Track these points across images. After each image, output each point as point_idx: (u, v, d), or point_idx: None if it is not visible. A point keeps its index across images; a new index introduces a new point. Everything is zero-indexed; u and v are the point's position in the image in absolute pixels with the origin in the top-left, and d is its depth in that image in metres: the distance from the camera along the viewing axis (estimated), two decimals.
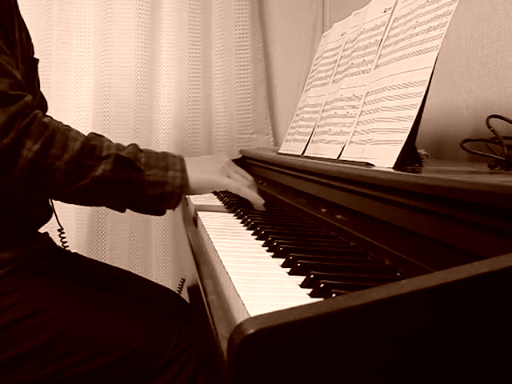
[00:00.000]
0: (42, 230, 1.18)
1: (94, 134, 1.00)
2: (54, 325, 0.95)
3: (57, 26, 2.00)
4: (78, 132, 0.96)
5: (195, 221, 1.08)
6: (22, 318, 0.95)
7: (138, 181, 0.97)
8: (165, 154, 1.02)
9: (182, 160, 1.02)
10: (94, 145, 0.95)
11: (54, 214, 1.24)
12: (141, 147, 1.02)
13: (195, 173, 1.01)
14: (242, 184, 1.05)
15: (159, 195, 0.98)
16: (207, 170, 1.03)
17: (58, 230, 1.35)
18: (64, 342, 0.94)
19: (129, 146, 1.01)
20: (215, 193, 1.44)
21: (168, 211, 1.10)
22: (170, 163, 1.00)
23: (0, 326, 0.95)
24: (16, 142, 0.89)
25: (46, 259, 1.10)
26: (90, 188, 0.94)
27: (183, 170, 1.00)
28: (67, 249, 1.36)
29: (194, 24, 2.08)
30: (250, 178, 1.09)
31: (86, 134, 0.98)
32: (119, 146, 0.99)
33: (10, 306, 0.96)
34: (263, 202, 1.05)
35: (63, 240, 1.37)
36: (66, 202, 1.01)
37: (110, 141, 1.00)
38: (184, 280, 1.74)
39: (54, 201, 1.21)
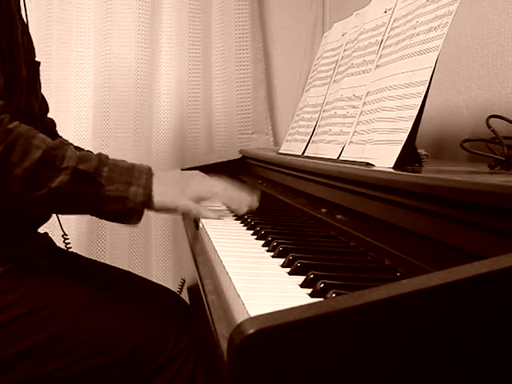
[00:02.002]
0: (41, 230, 1.18)
1: (62, 141, 0.98)
2: (53, 323, 0.95)
3: (57, 25, 2.00)
4: (43, 139, 0.94)
5: (195, 221, 1.08)
6: (22, 315, 0.95)
7: (97, 195, 0.95)
8: (130, 168, 0.98)
9: (148, 175, 0.98)
10: (55, 155, 0.93)
11: (57, 219, 1.26)
12: (109, 158, 0.99)
13: (160, 194, 0.98)
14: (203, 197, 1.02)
15: (120, 211, 0.96)
16: (172, 193, 1.00)
17: (62, 236, 1.36)
18: (64, 339, 0.94)
19: (95, 156, 0.98)
20: None
21: None
22: (135, 178, 0.97)
23: (0, 323, 0.95)
24: None
25: (46, 259, 1.10)
26: (46, 198, 0.92)
27: (147, 187, 0.97)
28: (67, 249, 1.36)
29: (194, 24, 2.08)
30: (220, 190, 1.04)
31: (53, 141, 0.96)
32: (82, 158, 0.95)
33: (9, 304, 0.96)
34: (218, 219, 1.02)
35: (68, 246, 1.38)
36: (27, 210, 1.00)
37: (75, 151, 0.96)
38: (184, 281, 1.74)
39: None
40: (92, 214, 1.00)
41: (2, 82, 0.99)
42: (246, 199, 1.04)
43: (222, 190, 1.04)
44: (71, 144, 1.01)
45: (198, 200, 1.02)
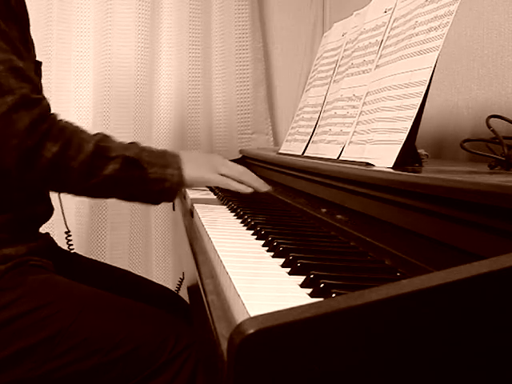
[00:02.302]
0: (42, 230, 1.18)
1: (103, 134, 1.09)
2: (54, 321, 0.95)
3: (57, 25, 2.00)
4: (89, 133, 1.06)
5: (195, 221, 1.08)
6: (23, 314, 0.95)
7: (141, 178, 1.07)
8: (164, 153, 1.11)
9: (178, 158, 1.12)
10: (104, 146, 1.05)
11: (62, 216, 1.30)
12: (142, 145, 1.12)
13: (190, 170, 1.11)
14: (232, 177, 1.15)
15: (159, 190, 1.09)
16: (200, 168, 1.14)
17: (65, 233, 1.37)
18: (64, 338, 0.94)
19: (131, 144, 1.10)
20: (214, 192, 1.44)
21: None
22: (169, 161, 1.10)
23: (0, 322, 0.95)
24: (38, 144, 0.97)
25: (47, 258, 1.10)
26: (100, 185, 1.04)
27: (180, 168, 1.10)
28: (71, 249, 1.37)
29: (194, 24, 2.08)
30: (241, 168, 1.18)
31: (94, 134, 1.07)
32: (124, 146, 1.08)
33: (10, 302, 0.96)
34: (249, 191, 1.15)
35: (70, 243, 1.38)
36: (78, 196, 1.12)
37: (116, 141, 1.09)
38: (182, 279, 1.74)
39: (62, 205, 1.28)
40: (134, 195, 1.12)
41: (38, 81, 1.06)
42: (263, 183, 1.19)
43: (246, 171, 1.18)
44: None
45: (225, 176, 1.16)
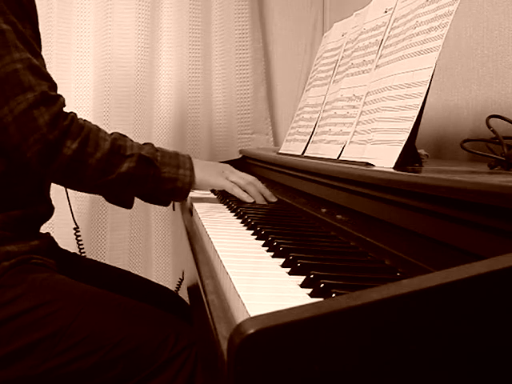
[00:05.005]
0: (43, 229, 1.19)
1: (118, 133, 1.12)
2: (55, 319, 0.95)
3: (57, 25, 2.00)
4: (105, 132, 1.10)
5: (195, 221, 1.08)
6: (24, 311, 0.96)
7: (154, 176, 1.11)
8: (176, 154, 1.16)
9: (190, 159, 1.17)
10: (120, 144, 1.09)
11: (71, 213, 1.36)
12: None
13: (199, 173, 1.17)
14: (239, 185, 1.21)
15: (171, 189, 1.13)
16: (209, 172, 1.20)
17: (74, 229, 1.39)
18: (65, 337, 0.94)
19: (146, 144, 1.14)
20: (214, 192, 1.45)
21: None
22: (181, 162, 1.15)
23: (2, 319, 0.95)
24: (58, 141, 1.01)
25: (49, 257, 1.11)
26: (114, 182, 1.08)
27: (191, 169, 1.16)
28: (80, 243, 1.42)
29: (194, 24, 2.08)
30: (250, 178, 1.23)
31: (111, 133, 1.11)
32: (139, 146, 1.12)
33: (12, 300, 0.96)
34: (251, 201, 1.21)
35: (79, 238, 1.40)
36: (92, 192, 1.17)
37: (131, 140, 1.13)
38: (182, 280, 1.75)
39: (70, 202, 1.33)
40: (146, 193, 1.17)
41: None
42: (270, 194, 1.24)
43: (255, 181, 1.23)
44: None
45: (233, 183, 1.21)
